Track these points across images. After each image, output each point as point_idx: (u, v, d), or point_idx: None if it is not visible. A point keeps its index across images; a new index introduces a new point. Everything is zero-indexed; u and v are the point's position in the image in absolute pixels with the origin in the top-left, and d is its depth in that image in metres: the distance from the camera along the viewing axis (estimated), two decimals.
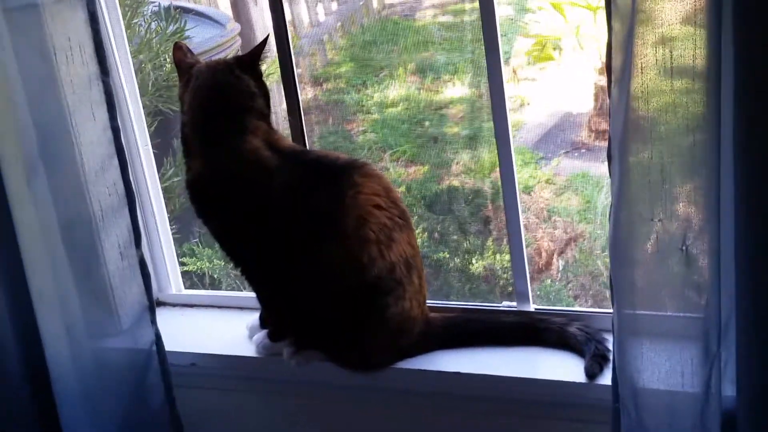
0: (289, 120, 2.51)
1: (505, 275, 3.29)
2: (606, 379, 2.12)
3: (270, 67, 3.82)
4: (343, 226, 2.17)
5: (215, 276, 3.59)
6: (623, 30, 1.73)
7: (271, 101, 2.32)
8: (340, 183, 2.20)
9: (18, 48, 2.15)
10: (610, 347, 2.17)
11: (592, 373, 2.15)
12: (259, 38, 4.19)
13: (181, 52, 2.30)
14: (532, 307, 2.41)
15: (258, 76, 2.28)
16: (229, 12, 4.22)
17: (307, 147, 2.54)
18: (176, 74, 2.36)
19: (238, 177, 2.22)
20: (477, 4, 2.24)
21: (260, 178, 2.21)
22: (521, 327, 2.32)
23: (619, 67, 1.76)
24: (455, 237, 3.49)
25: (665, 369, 1.91)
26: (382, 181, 2.26)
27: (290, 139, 2.47)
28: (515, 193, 2.33)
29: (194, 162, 2.25)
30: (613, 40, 1.76)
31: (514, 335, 2.32)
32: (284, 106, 2.54)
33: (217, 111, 2.24)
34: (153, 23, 3.57)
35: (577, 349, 2.23)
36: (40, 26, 2.14)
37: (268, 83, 2.34)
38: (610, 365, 2.14)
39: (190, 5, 4.00)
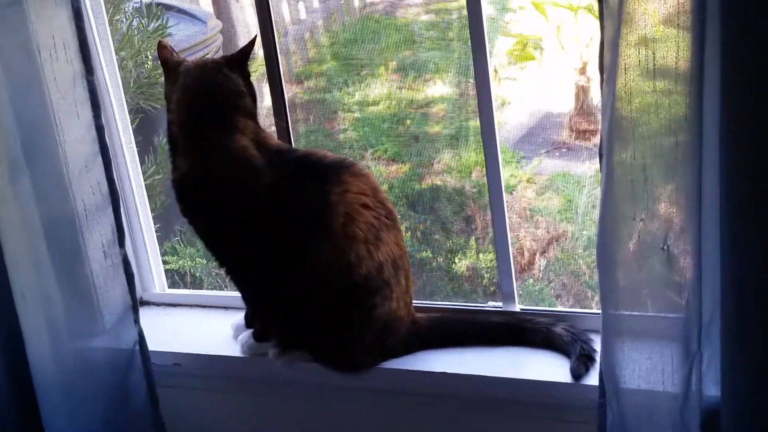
0: (274, 119, 2.50)
1: (488, 275, 3.30)
2: (591, 379, 2.14)
3: (252, 65, 3.81)
4: (331, 224, 2.17)
5: (197, 275, 3.57)
6: (612, 30, 1.74)
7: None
8: (327, 181, 2.20)
9: (1, 45, 2.13)
10: (596, 348, 2.18)
11: (577, 374, 2.16)
12: (241, 36, 4.18)
13: (166, 51, 2.28)
14: (517, 307, 2.42)
15: (246, 75, 2.27)
16: (211, 9, 4.19)
17: (293, 145, 2.53)
18: (159, 72, 2.35)
19: (227, 176, 2.21)
20: (459, 3, 2.24)
21: (248, 177, 2.20)
22: (507, 327, 2.33)
23: (608, 66, 1.77)
24: (437, 236, 3.49)
25: (646, 367, 1.92)
26: (369, 180, 2.26)
27: (276, 137, 2.45)
28: (501, 193, 2.34)
29: (181, 161, 2.24)
30: (605, 39, 1.76)
31: (501, 335, 2.32)
32: (267, 104, 2.53)
33: (206, 110, 2.23)
34: (134, 20, 3.53)
35: (562, 349, 2.24)
36: (24, 23, 2.12)
37: None
38: (596, 366, 2.15)
39: (172, 2, 3.97)
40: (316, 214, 2.18)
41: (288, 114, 2.50)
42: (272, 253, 2.21)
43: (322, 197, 2.18)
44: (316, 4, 4.48)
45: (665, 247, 1.83)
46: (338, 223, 2.17)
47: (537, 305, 3.09)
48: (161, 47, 2.28)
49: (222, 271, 2.41)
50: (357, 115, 3.91)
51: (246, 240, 2.22)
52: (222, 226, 2.24)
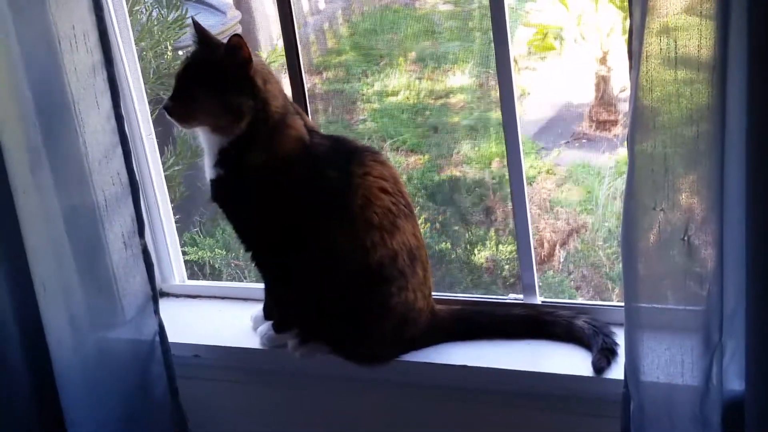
0: None
1: (508, 266, 3.29)
2: (613, 373, 2.13)
3: (271, 55, 3.80)
4: (349, 205, 2.17)
5: (216, 266, 3.58)
6: (639, 17, 1.73)
7: None
8: (351, 162, 2.20)
9: (22, 35, 2.13)
10: (618, 341, 2.17)
11: (599, 367, 2.14)
12: (260, 26, 4.18)
13: None
14: (538, 299, 2.40)
15: None
16: (230, 0, 4.20)
17: None
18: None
19: (294, 158, 2.20)
20: None
21: (303, 158, 2.20)
22: (528, 320, 2.32)
23: (634, 54, 1.76)
24: (457, 227, 3.48)
25: (665, 358, 1.91)
26: (391, 170, 2.27)
27: None
28: (522, 184, 2.32)
29: (258, 152, 2.19)
30: (633, 27, 1.75)
31: (522, 328, 2.31)
32: (288, 94, 2.52)
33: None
34: (154, 11, 3.54)
35: (584, 342, 2.22)
36: (44, 13, 2.11)
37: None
38: (618, 359, 2.14)
39: None
40: (336, 193, 2.18)
41: (308, 104, 2.49)
42: (297, 233, 2.20)
43: (344, 177, 2.19)
44: None
45: (686, 238, 1.82)
46: (356, 205, 2.17)
47: (557, 297, 3.09)
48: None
49: (247, 257, 2.39)
50: (376, 105, 3.92)
51: (279, 220, 2.21)
52: (265, 207, 2.22)
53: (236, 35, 2.13)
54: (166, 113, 2.18)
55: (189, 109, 2.18)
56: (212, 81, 2.15)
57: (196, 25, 2.22)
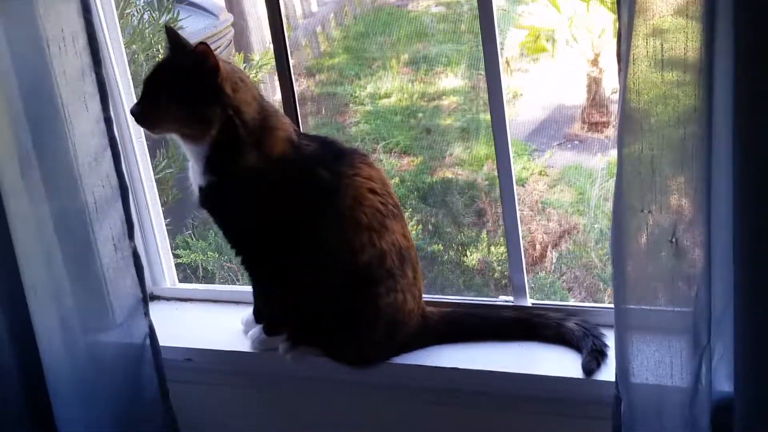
0: (284, 111, 2.49)
1: (499, 267, 3.29)
2: (603, 374, 2.12)
3: (263, 58, 3.81)
4: (339, 204, 2.17)
5: (209, 268, 3.58)
6: (626, 19, 1.73)
7: (265, 92, 2.31)
8: (340, 163, 2.21)
9: (11, 39, 2.12)
10: (608, 343, 2.17)
11: (589, 369, 2.14)
12: (252, 28, 4.18)
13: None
14: (529, 301, 2.40)
15: None
16: (222, 2, 4.20)
17: None
18: None
19: (287, 161, 2.19)
20: None
21: (295, 160, 2.20)
22: (519, 322, 2.32)
23: (623, 56, 1.76)
24: (449, 229, 3.49)
25: (654, 360, 1.91)
26: (379, 173, 2.27)
27: None
28: (512, 187, 2.32)
29: (248, 156, 2.18)
30: (621, 30, 1.75)
31: (512, 330, 2.31)
32: (278, 97, 2.52)
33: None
34: (146, 13, 3.54)
35: (574, 344, 2.22)
36: (33, 17, 2.11)
37: (261, 74, 2.32)
38: (608, 361, 2.14)
39: None
40: (327, 192, 2.18)
41: (298, 107, 2.49)
42: (289, 233, 2.20)
43: (335, 177, 2.19)
44: None
45: (673, 240, 1.82)
46: (345, 205, 2.17)
47: (549, 298, 3.09)
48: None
49: (236, 261, 2.38)
50: (368, 108, 3.92)
51: (273, 220, 2.21)
52: (258, 209, 2.21)
53: (202, 43, 2.10)
54: (133, 118, 2.18)
55: (155, 114, 2.16)
56: (178, 88, 2.13)
57: (169, 31, 2.19)
